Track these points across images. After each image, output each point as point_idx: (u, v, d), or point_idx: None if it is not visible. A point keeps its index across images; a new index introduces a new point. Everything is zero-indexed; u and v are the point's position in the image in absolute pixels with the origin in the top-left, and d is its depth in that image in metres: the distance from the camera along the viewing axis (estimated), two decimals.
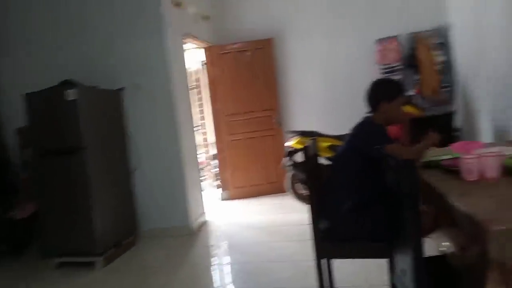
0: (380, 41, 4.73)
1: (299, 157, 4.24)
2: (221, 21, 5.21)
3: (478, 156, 1.66)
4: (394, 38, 4.71)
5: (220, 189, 5.13)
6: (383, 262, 2.45)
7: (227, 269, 3.08)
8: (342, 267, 2.31)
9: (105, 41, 3.80)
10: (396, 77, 4.67)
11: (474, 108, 3.89)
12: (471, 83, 4.03)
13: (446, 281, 1.44)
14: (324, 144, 4.09)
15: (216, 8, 5.18)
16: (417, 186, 1.32)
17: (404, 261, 1.52)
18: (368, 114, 2.15)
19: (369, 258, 2.02)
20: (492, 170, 1.62)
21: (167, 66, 3.73)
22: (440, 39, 4.57)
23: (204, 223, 4.11)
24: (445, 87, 4.52)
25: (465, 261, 1.43)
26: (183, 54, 4.14)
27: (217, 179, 5.23)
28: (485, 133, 3.46)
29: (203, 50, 5.00)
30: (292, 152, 4.27)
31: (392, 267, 1.85)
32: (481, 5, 3.53)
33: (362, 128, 2.04)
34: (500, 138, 3.09)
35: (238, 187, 5.01)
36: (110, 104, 3.65)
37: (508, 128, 3.00)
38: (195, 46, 4.86)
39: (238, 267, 3.05)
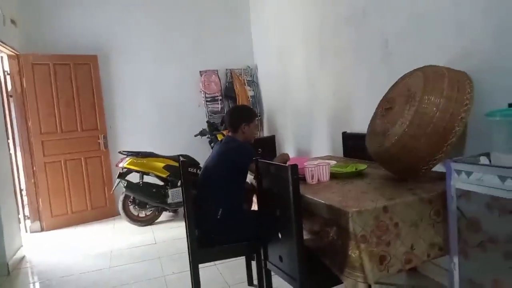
0: (203, 72, 5.29)
1: (133, 179, 4.21)
2: (32, 29, 4.60)
3: (316, 166, 2.26)
4: (215, 71, 5.36)
5: (29, 220, 4.40)
6: (230, 264, 2.80)
7: None
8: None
9: None
10: (217, 105, 5.33)
11: (279, 134, 4.87)
12: (275, 115, 5.04)
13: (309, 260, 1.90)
14: (160, 164, 4.21)
15: (26, 13, 4.55)
16: (298, 188, 1.74)
17: (282, 249, 1.92)
18: (230, 134, 2.54)
19: (240, 256, 2.34)
20: (325, 176, 2.25)
21: None
22: (250, 77, 5.51)
23: (22, 259, 3.47)
24: None
25: (320, 242, 1.93)
26: None
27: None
28: (291, 152, 4.39)
29: (5, 57, 4.28)
30: (124, 174, 4.18)
31: (259, 259, 2.23)
32: (283, 53, 4.55)
33: (233, 146, 2.38)
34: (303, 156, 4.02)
35: (56, 216, 4.43)
36: None
37: (309, 150, 3.98)
38: None
39: None
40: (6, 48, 4.02)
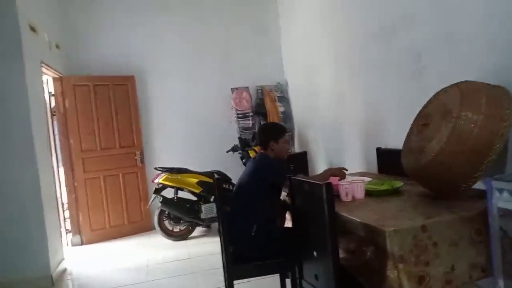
0: (234, 89, 5.40)
1: (168, 194, 4.33)
2: (74, 52, 4.90)
3: (350, 183, 2.25)
4: (246, 88, 5.46)
5: (70, 234, 4.60)
6: (265, 281, 2.80)
7: None
8: None
9: None
10: (248, 121, 5.40)
11: (310, 149, 4.87)
12: (306, 130, 5.05)
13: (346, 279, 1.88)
14: (193, 180, 4.31)
15: (68, 38, 4.85)
16: (334, 207, 1.75)
17: (317, 268, 1.92)
18: (262, 152, 2.58)
19: (275, 274, 2.35)
20: (360, 193, 2.23)
21: (24, 94, 3.32)
22: (280, 93, 5.57)
23: (64, 271, 3.62)
24: None
25: (356, 261, 1.92)
26: (41, 82, 3.76)
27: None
28: (323, 167, 4.38)
29: (50, 80, 4.57)
30: (160, 189, 4.31)
31: (294, 277, 2.23)
32: (312, 70, 4.59)
33: (264, 163, 2.42)
34: None
35: (95, 230, 4.61)
36: None
37: (342, 166, 3.93)
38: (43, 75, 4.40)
39: None
40: (51, 71, 4.29)
